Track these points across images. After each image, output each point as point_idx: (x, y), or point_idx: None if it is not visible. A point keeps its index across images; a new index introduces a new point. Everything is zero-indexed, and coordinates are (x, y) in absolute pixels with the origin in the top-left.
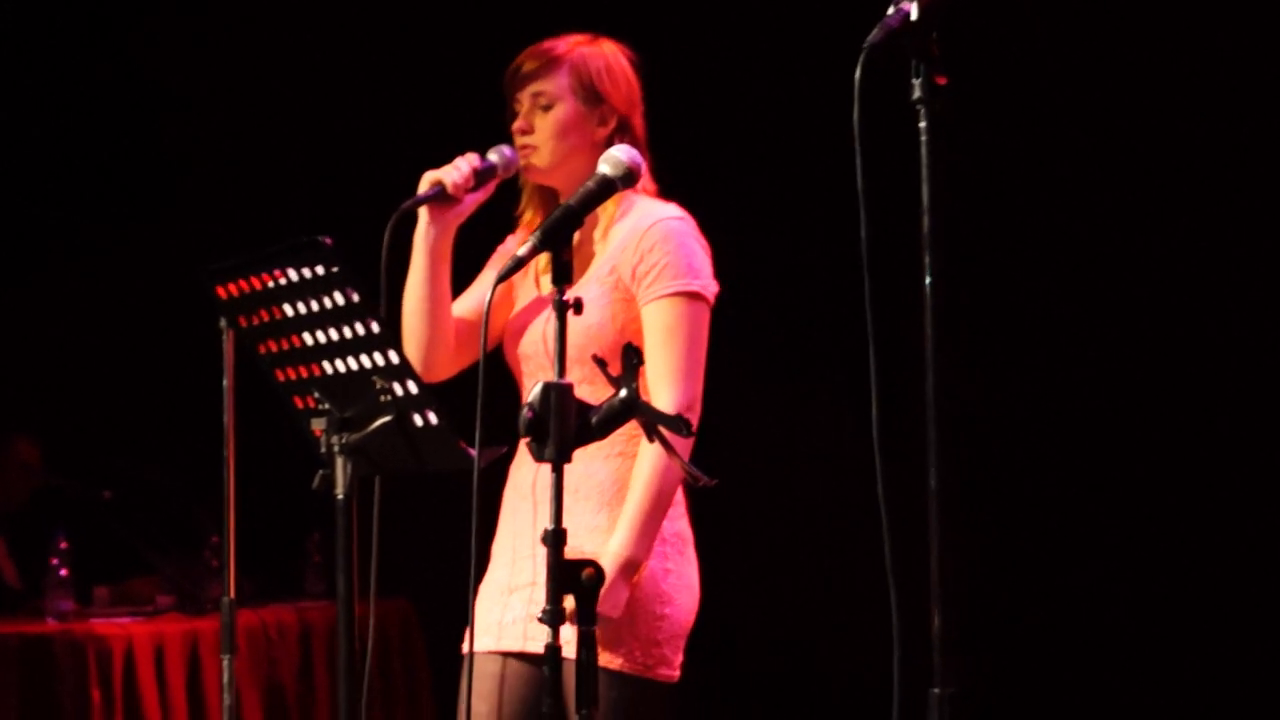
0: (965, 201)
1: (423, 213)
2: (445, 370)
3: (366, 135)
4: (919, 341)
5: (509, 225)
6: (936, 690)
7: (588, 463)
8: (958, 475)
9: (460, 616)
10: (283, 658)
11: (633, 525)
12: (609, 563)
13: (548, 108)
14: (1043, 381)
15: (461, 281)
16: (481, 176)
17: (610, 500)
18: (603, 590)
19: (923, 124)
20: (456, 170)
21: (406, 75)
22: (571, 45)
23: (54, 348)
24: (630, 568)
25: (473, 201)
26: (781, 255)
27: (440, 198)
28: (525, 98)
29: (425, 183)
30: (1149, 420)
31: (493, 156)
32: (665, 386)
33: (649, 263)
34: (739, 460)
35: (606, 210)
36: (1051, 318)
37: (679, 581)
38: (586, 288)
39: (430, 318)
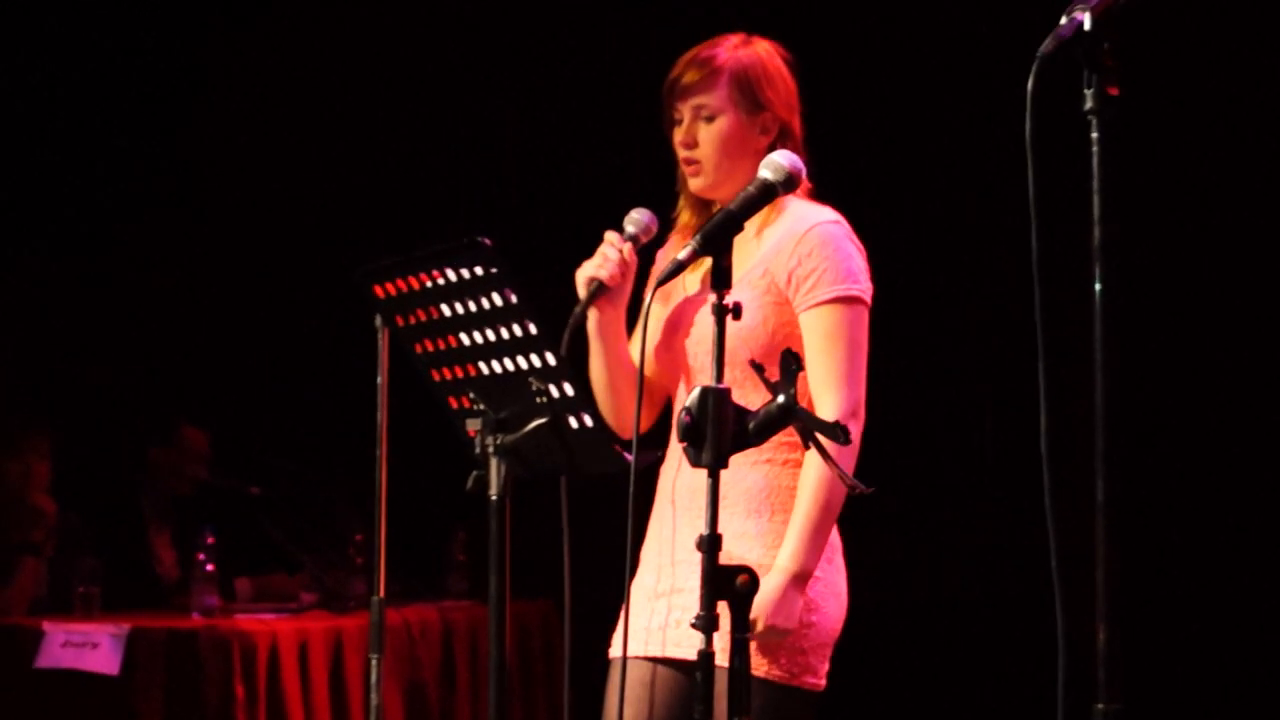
0: (1136, 211)
1: (592, 313)
2: (653, 412)
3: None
4: (1089, 351)
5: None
6: (1100, 706)
7: (736, 469)
8: (1126, 486)
9: (603, 619)
10: (425, 657)
11: (801, 536)
12: (780, 576)
13: (710, 119)
14: (1213, 391)
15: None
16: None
17: (759, 507)
18: (776, 602)
19: (1094, 134)
20: (607, 261)
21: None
22: (730, 51)
23: (212, 343)
24: (801, 579)
25: (627, 288)
26: (952, 264)
27: (602, 292)
28: (686, 110)
29: (582, 286)
30: None
31: (630, 228)
32: (829, 393)
33: (807, 268)
34: (899, 468)
35: (761, 211)
36: (1222, 328)
37: (827, 590)
38: (738, 290)
39: (623, 392)
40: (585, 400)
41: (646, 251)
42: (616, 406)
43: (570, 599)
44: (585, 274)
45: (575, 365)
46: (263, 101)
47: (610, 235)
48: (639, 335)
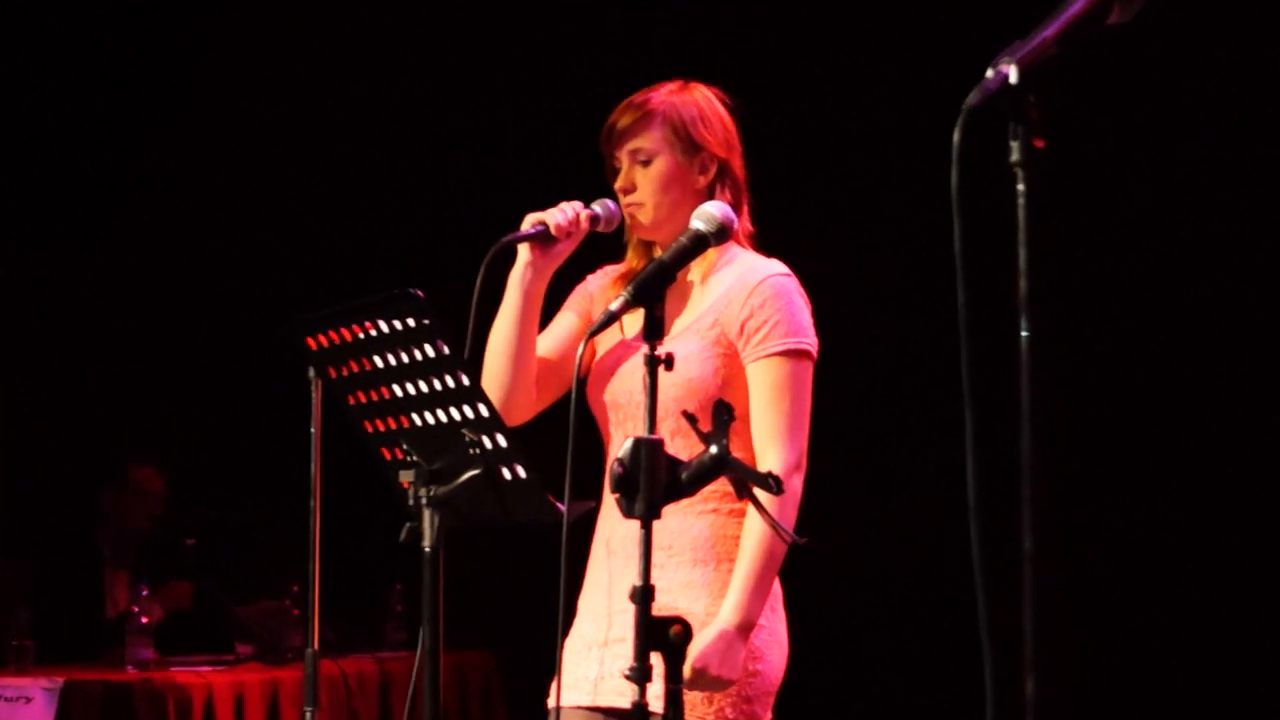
0: (1062, 263)
1: (522, 251)
2: (525, 413)
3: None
4: (1016, 401)
5: (588, 268)
6: None
7: (681, 518)
8: (1054, 537)
9: (540, 670)
10: (363, 709)
11: (745, 586)
12: (724, 626)
13: (647, 163)
14: (1142, 440)
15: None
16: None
17: (704, 556)
18: (719, 653)
19: (1020, 186)
20: (561, 213)
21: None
22: (664, 96)
23: (149, 391)
24: (745, 629)
25: (566, 249)
26: (877, 313)
27: (543, 237)
28: (624, 155)
29: (528, 222)
30: (1256, 482)
31: (597, 208)
32: (773, 445)
33: (759, 319)
34: (831, 518)
35: (705, 258)
36: (1149, 376)
37: (770, 638)
38: (685, 340)
39: (516, 361)
40: (518, 451)
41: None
42: (506, 379)
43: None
44: (534, 216)
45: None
46: (205, 143)
47: (574, 201)
48: (547, 334)
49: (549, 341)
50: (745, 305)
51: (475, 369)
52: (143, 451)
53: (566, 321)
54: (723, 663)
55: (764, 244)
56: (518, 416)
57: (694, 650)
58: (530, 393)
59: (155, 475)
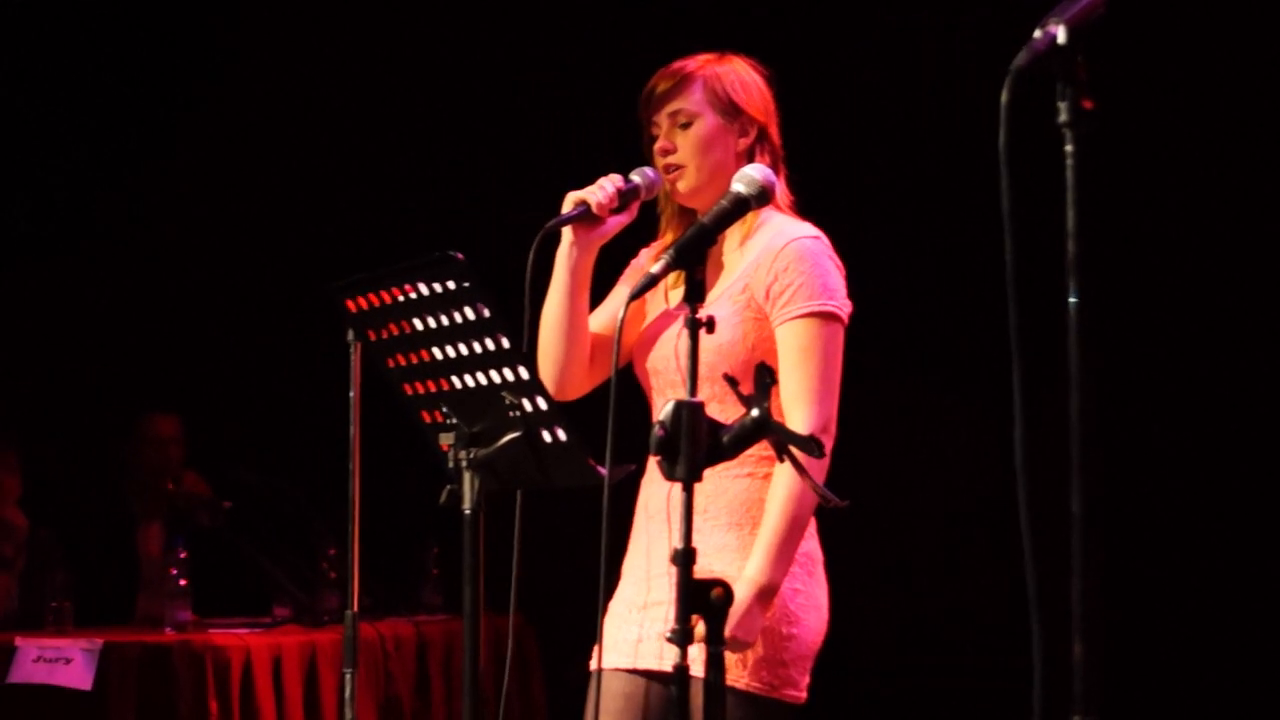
0: (1112, 224)
1: (566, 232)
2: (580, 389)
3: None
4: (1064, 364)
5: (642, 243)
6: (1077, 718)
7: (717, 481)
8: (1103, 498)
9: (583, 634)
10: (399, 672)
11: (769, 549)
12: (745, 588)
13: (687, 125)
14: (1192, 401)
15: (596, 298)
16: (625, 197)
17: (740, 520)
18: (739, 615)
19: (1069, 147)
20: (601, 190)
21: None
22: (702, 62)
23: (186, 357)
24: (767, 593)
25: (616, 224)
26: (927, 275)
27: (585, 217)
28: (663, 119)
29: (569, 203)
30: None
31: (635, 178)
32: (800, 407)
33: (784, 282)
34: (876, 481)
35: (743, 224)
36: (1197, 339)
37: (807, 602)
38: (719, 305)
39: (568, 337)
40: (559, 415)
41: (628, 257)
42: (560, 356)
43: (515, 613)
44: (575, 195)
45: (537, 291)
46: (239, 108)
47: (612, 175)
48: (602, 310)
49: (603, 317)
50: (771, 269)
51: (515, 331)
52: (154, 402)
53: (619, 296)
54: (739, 625)
55: (804, 210)
56: (573, 392)
57: None
58: (585, 368)
59: (170, 422)
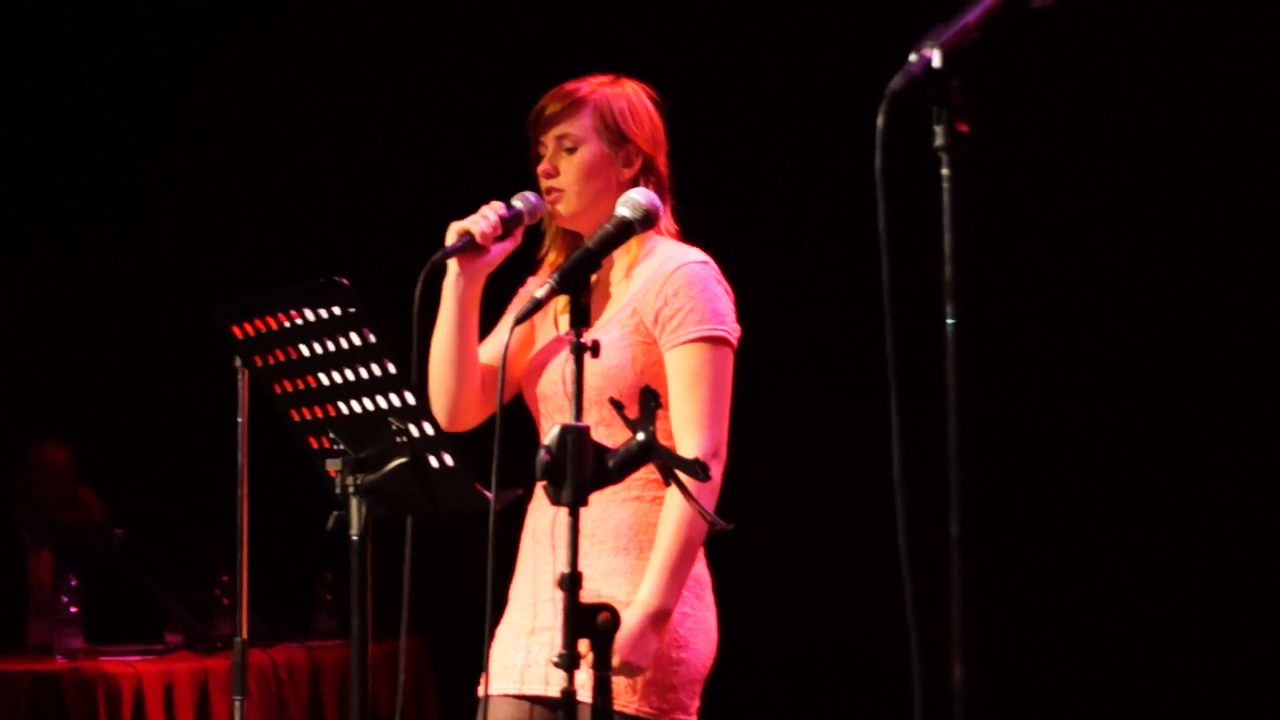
0: (987, 248)
1: (452, 264)
2: (472, 419)
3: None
4: (942, 386)
5: (530, 269)
6: None
7: (604, 506)
8: (981, 520)
9: (474, 659)
10: (292, 698)
11: (661, 573)
12: (637, 612)
13: (572, 150)
14: (1070, 420)
15: (485, 327)
16: (508, 224)
17: (627, 545)
18: (632, 639)
19: (945, 171)
20: (484, 220)
21: (414, 114)
22: (595, 86)
23: (73, 375)
24: (659, 617)
25: (501, 251)
26: (812, 299)
27: (469, 248)
28: (550, 140)
29: (452, 234)
30: (1179, 468)
31: (518, 203)
32: (690, 432)
33: (673, 307)
34: (763, 504)
35: (629, 250)
36: (1074, 360)
37: (696, 626)
38: (607, 329)
39: (459, 368)
40: (446, 440)
41: (516, 283)
42: (451, 387)
43: (408, 637)
44: (458, 226)
45: (425, 324)
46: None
47: (494, 203)
48: (491, 340)
49: (492, 347)
50: (660, 294)
51: (400, 356)
52: (45, 429)
53: (507, 324)
54: (633, 649)
55: (687, 237)
56: (467, 422)
57: None
58: (476, 398)
59: (59, 449)
